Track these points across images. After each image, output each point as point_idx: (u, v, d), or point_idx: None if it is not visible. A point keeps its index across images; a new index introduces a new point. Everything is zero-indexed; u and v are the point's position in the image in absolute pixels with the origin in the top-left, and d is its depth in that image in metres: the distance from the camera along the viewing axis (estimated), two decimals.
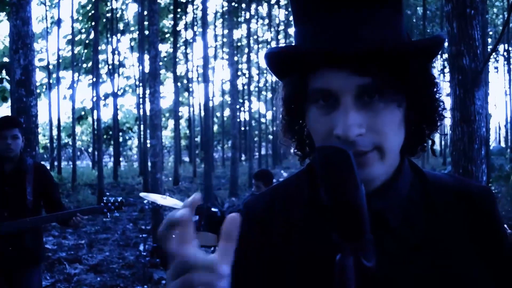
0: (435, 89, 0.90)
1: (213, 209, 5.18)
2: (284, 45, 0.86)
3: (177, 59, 29.34)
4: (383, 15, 0.83)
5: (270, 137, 40.47)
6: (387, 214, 0.89)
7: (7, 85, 18.87)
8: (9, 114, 5.61)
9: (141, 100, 25.93)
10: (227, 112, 42.27)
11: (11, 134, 3.78)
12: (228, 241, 0.65)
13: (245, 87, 34.75)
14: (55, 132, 29.23)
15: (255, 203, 1.07)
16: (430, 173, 1.01)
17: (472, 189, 0.98)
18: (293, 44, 0.91)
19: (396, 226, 0.89)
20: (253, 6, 29.97)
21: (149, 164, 11.27)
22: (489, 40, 33.27)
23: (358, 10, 0.82)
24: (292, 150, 1.04)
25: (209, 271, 0.60)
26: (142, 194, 5.92)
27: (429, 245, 0.89)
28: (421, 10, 28.33)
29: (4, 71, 18.79)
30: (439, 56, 36.15)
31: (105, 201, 4.25)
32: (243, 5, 30.00)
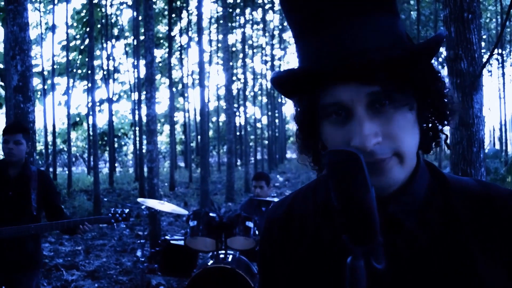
0: (442, 84, 0.91)
1: (211, 214, 5.17)
2: (288, 68, 0.86)
3: (172, 65, 29.34)
4: (381, 20, 0.84)
5: (266, 142, 40.47)
6: (401, 217, 0.89)
7: (1, 91, 18.85)
8: (4, 120, 5.59)
9: (136, 105, 25.90)
10: (222, 117, 42.26)
11: (14, 139, 3.81)
12: None
13: (241, 92, 34.77)
14: (50, 138, 29.14)
15: (277, 208, 1.10)
16: (453, 176, 1.00)
17: (497, 193, 0.94)
18: (298, 62, 0.92)
19: (410, 230, 0.89)
20: (248, 11, 29.99)
21: (145, 169, 11.25)
22: (483, 44, 33.41)
23: (355, 19, 0.83)
24: (310, 166, 1.04)
25: None
26: (139, 200, 5.92)
27: (445, 249, 0.88)
28: (415, 15, 28.44)
29: None
30: (434, 60, 36.47)
31: (112, 212, 4.28)
32: (238, 11, 30.08)
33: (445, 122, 0.93)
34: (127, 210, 4.35)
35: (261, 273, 1.12)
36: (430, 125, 0.93)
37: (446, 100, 0.91)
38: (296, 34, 0.92)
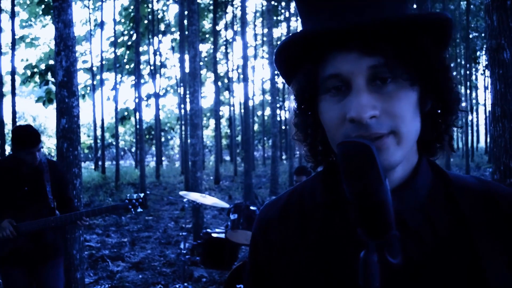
0: (448, 72, 0.87)
1: (251, 208, 5.19)
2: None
3: (217, 59, 29.53)
4: (387, 2, 0.83)
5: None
6: (405, 214, 0.87)
7: (53, 87, 19.42)
8: (55, 115, 5.72)
9: (182, 100, 26.23)
10: (267, 111, 42.31)
11: (37, 149, 3.88)
12: None
13: (285, 85, 34.73)
14: (99, 133, 29.87)
15: (270, 209, 1.08)
16: (454, 174, 0.97)
17: (500, 192, 0.92)
18: None
19: (415, 227, 0.87)
20: (293, 4, 29.87)
21: (190, 163, 11.39)
22: None
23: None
24: (304, 156, 1.03)
25: None
26: (181, 193, 5.98)
27: (451, 248, 0.85)
28: (465, 4, 27.68)
29: (50, 73, 19.35)
30: (483, 51, 35.40)
31: (128, 198, 4.33)
32: (283, 4, 29.98)
33: (448, 113, 0.90)
34: (142, 195, 4.39)
35: (253, 274, 1.07)
36: (432, 120, 0.91)
37: (450, 87, 0.88)
38: (303, 12, 0.92)
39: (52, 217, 3.93)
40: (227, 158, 43.60)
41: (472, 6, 27.73)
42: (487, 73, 36.94)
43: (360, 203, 0.66)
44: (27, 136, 3.84)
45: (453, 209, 0.89)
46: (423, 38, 0.82)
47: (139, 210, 4.35)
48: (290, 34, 0.86)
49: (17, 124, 10.44)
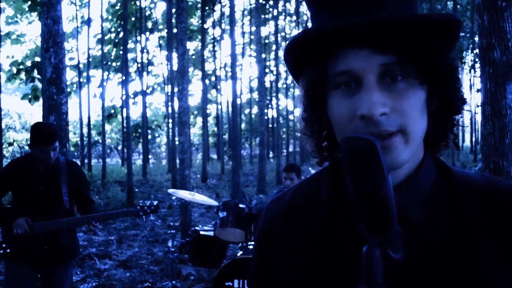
0: (455, 72, 0.89)
1: (240, 205, 5.19)
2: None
3: (205, 57, 29.44)
4: (398, 1, 0.85)
5: (298, 134, 40.31)
6: (408, 210, 0.88)
7: (38, 84, 19.25)
8: (41, 112, 5.66)
9: (169, 98, 26.14)
10: (255, 110, 42.28)
11: (53, 147, 3.85)
12: None
13: (273, 84, 34.73)
14: (85, 130, 29.66)
15: (275, 205, 1.09)
16: (459, 170, 0.98)
17: (504, 188, 0.93)
18: None
19: (417, 223, 0.88)
20: (281, 3, 29.91)
21: (177, 161, 11.35)
22: None
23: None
24: (310, 151, 1.03)
25: None
26: (170, 191, 5.97)
27: (453, 245, 0.86)
28: (451, 4, 27.84)
29: (36, 70, 19.16)
30: (469, 51, 35.61)
31: (141, 204, 4.33)
32: (271, 2, 29.98)
33: (454, 112, 0.92)
34: (155, 202, 4.40)
35: (258, 271, 1.08)
36: (438, 119, 0.92)
37: (457, 86, 0.89)
38: (313, 9, 0.93)
39: (64, 219, 3.91)
40: (214, 156, 43.53)
41: (458, 6, 27.89)
42: (473, 72, 37.22)
43: (362, 199, 0.66)
44: (43, 133, 3.82)
45: (456, 205, 0.90)
46: (432, 38, 0.83)
47: (151, 217, 4.37)
48: (301, 31, 0.87)
49: (2, 120, 10.32)
